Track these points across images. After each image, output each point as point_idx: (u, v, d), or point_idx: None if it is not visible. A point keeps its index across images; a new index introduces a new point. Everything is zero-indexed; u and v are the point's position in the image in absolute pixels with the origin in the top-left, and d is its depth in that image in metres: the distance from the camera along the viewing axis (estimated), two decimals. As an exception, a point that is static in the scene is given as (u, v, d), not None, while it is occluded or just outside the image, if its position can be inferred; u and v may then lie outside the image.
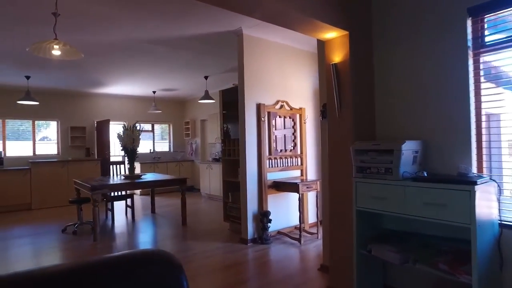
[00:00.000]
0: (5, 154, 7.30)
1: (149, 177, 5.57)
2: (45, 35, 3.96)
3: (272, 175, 4.44)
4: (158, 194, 8.25)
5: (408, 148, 2.21)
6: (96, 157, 8.09)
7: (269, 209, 4.33)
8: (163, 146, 9.88)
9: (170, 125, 9.88)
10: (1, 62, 5.31)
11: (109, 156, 7.66)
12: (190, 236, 4.63)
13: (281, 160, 4.58)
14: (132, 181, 5.03)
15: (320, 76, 3.12)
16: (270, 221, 4.25)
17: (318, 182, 4.19)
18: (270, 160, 4.44)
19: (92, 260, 1.13)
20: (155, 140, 9.72)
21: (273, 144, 4.47)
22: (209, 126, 8.71)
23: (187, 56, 5.31)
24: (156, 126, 9.80)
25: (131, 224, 5.46)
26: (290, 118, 4.74)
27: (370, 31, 2.73)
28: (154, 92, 8.30)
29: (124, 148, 5.20)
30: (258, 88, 4.33)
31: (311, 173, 4.93)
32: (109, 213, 5.74)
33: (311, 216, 4.85)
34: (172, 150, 9.86)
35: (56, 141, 8.02)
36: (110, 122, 7.78)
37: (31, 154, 7.64)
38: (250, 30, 4.16)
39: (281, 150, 4.58)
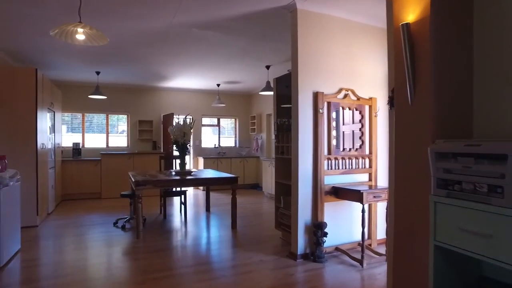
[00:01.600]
0: (83, 145, 7.86)
1: (201, 173, 5.26)
2: (110, 28, 3.96)
3: (331, 179, 3.67)
4: (218, 191, 8.02)
5: (535, 153, 1.30)
6: (162, 150, 8.21)
7: (326, 219, 3.58)
8: (230, 141, 9.67)
9: (236, 119, 9.62)
10: (77, 58, 5.58)
11: (172, 149, 7.66)
12: (236, 243, 4.13)
13: (343, 161, 3.77)
14: (181, 177, 4.76)
15: (388, 49, 2.25)
16: (325, 234, 3.51)
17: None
18: (329, 161, 3.67)
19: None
20: (223, 135, 9.55)
21: (333, 142, 3.69)
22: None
23: (241, 42, 4.80)
24: (226, 121, 9.62)
25: (181, 223, 5.21)
26: (356, 110, 3.88)
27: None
28: (218, 85, 8.08)
29: (175, 142, 4.96)
30: (316, 74, 3.60)
31: (382, 179, 3.99)
32: (162, 209, 5.61)
33: (381, 232, 3.92)
34: (237, 145, 9.59)
35: (126, 134, 8.40)
36: (174, 116, 7.78)
37: (104, 146, 8.11)
38: (305, 3, 3.44)
39: (344, 149, 3.77)
